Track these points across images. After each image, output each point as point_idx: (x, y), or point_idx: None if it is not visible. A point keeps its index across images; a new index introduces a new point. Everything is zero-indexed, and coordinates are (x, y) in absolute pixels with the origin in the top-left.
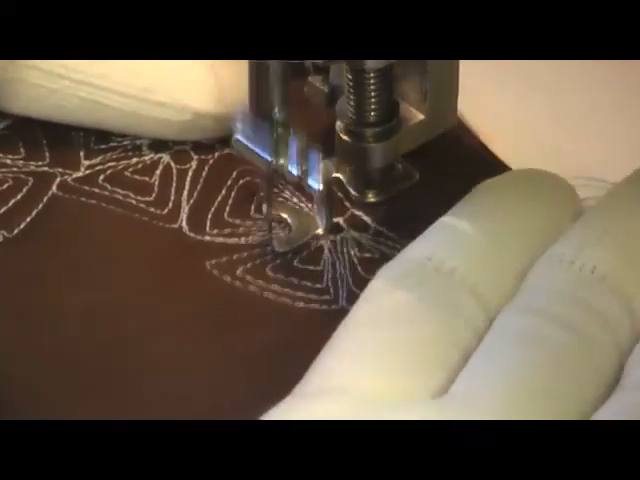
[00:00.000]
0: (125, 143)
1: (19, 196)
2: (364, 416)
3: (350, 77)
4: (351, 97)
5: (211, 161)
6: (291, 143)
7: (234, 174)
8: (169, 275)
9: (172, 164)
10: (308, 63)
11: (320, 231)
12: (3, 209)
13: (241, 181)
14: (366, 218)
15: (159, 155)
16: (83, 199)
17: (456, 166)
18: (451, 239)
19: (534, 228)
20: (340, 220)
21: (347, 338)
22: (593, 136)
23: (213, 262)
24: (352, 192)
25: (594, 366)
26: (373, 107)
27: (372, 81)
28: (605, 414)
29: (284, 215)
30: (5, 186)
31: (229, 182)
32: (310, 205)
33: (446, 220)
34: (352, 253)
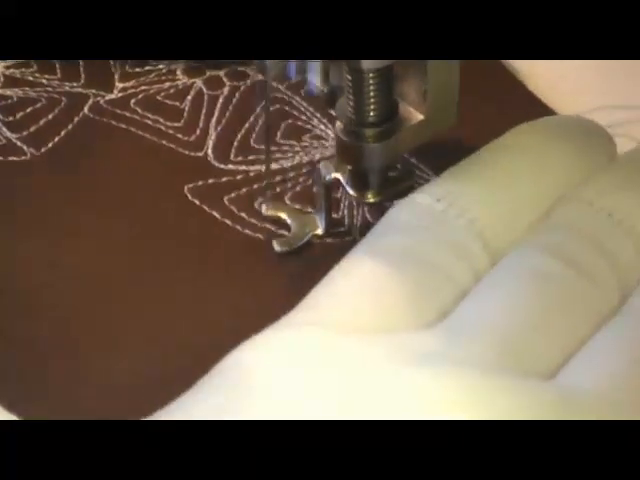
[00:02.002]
0: (160, 67)
1: (50, 116)
2: (330, 347)
3: (350, 77)
4: (351, 97)
5: (242, 87)
6: None
7: (264, 101)
8: (186, 205)
9: (204, 89)
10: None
11: (320, 231)
12: (33, 127)
13: (271, 108)
14: None
15: (192, 80)
16: (113, 122)
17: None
18: (466, 183)
19: (558, 175)
20: None
21: (341, 274)
22: None
23: (232, 195)
24: (351, 192)
25: (597, 308)
26: (372, 107)
27: (372, 81)
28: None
29: (283, 216)
30: (38, 105)
31: (258, 110)
32: (309, 206)
33: (466, 163)
34: None
